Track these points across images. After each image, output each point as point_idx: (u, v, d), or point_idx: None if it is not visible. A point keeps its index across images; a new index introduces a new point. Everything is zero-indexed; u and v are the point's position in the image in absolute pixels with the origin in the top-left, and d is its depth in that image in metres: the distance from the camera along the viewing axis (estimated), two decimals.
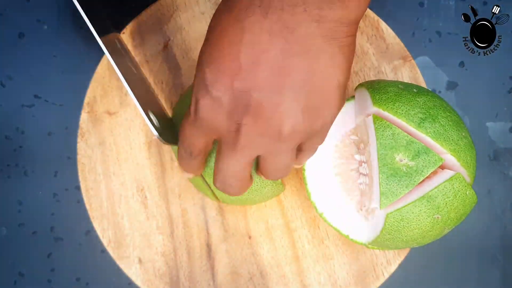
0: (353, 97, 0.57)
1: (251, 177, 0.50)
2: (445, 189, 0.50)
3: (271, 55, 0.42)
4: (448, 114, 0.53)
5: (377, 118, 0.52)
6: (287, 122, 0.43)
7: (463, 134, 0.53)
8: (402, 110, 0.52)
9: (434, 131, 0.51)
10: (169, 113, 0.62)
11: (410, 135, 0.51)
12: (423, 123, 0.51)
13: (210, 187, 0.57)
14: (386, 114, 0.52)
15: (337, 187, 0.56)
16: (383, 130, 0.51)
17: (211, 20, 0.45)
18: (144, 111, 0.52)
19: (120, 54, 0.56)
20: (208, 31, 0.45)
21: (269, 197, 0.58)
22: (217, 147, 0.47)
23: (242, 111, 0.43)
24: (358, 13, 0.43)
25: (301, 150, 0.49)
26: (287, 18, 0.41)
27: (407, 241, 0.53)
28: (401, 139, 0.51)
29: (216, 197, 0.58)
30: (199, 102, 0.44)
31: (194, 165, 0.51)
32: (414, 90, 0.54)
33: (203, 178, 0.56)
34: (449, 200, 0.51)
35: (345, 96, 0.46)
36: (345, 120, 0.56)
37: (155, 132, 0.51)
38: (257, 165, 0.49)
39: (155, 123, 0.53)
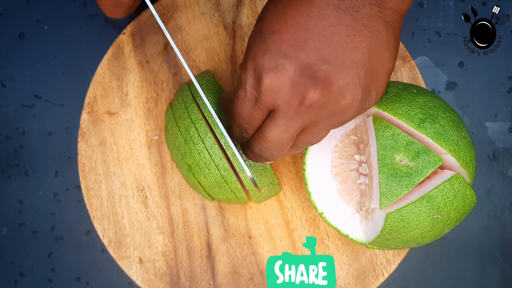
0: None
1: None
2: (445, 189, 0.51)
3: (338, 29, 0.43)
4: (448, 114, 0.53)
5: (377, 118, 0.52)
6: (348, 98, 0.44)
7: (463, 134, 0.53)
8: (402, 111, 0.52)
9: (434, 131, 0.51)
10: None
11: (410, 135, 0.51)
12: (423, 123, 0.51)
13: (205, 190, 0.57)
14: (386, 114, 0.52)
15: (337, 187, 0.56)
16: (383, 131, 0.52)
17: None
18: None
19: None
20: (264, 8, 0.45)
21: (266, 198, 0.58)
22: (269, 118, 0.46)
23: (309, 82, 0.43)
24: (408, 5, 0.45)
25: None
26: None
27: (407, 241, 0.53)
28: (401, 139, 0.51)
29: (211, 197, 0.59)
30: (264, 75, 0.44)
31: (245, 140, 0.51)
32: (414, 90, 0.54)
33: (198, 181, 0.57)
34: (449, 200, 0.51)
35: (386, 87, 0.48)
36: None
37: (249, 174, 0.52)
38: None
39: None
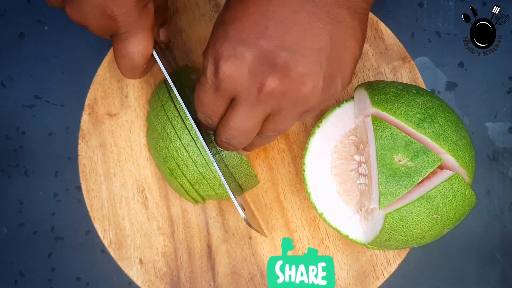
0: (352, 98, 0.57)
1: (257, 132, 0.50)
2: (444, 189, 0.51)
3: (300, 16, 0.43)
4: (447, 114, 0.53)
5: (376, 118, 0.52)
6: (308, 85, 0.44)
7: (462, 134, 0.53)
8: (401, 111, 0.52)
9: (433, 131, 0.51)
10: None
11: (409, 135, 0.51)
12: (422, 123, 0.51)
13: (187, 193, 0.58)
14: (385, 114, 0.52)
15: (337, 187, 0.56)
16: (382, 131, 0.52)
17: None
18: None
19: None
20: None
21: (245, 190, 0.60)
22: (231, 106, 0.46)
23: (267, 70, 0.43)
24: None
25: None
26: None
27: (406, 241, 0.53)
28: (400, 139, 0.51)
29: (195, 201, 0.60)
30: (222, 62, 0.43)
31: (212, 128, 0.51)
32: (413, 90, 0.54)
33: (181, 185, 0.57)
34: (448, 200, 0.51)
35: (353, 74, 0.47)
36: (345, 120, 0.56)
37: (242, 215, 0.52)
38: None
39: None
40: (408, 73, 0.62)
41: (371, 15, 0.62)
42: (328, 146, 0.56)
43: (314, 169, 0.57)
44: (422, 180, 0.52)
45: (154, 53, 0.51)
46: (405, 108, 0.52)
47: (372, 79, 0.62)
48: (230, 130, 0.47)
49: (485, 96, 0.65)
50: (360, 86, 0.56)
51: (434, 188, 0.51)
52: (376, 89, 0.54)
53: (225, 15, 0.45)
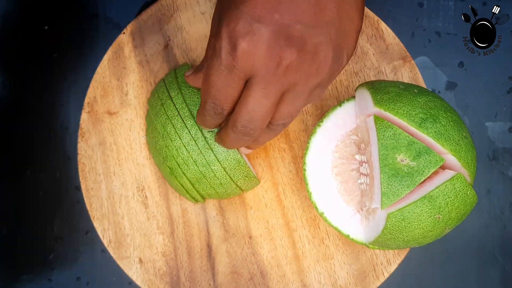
0: (353, 97, 0.57)
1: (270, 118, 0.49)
2: (446, 189, 0.51)
3: None
4: (449, 114, 0.53)
5: (378, 118, 0.52)
6: (321, 55, 0.45)
7: (464, 134, 0.53)
8: (403, 111, 0.52)
9: (435, 131, 0.51)
10: None
11: (411, 135, 0.51)
12: (424, 123, 0.51)
13: (188, 192, 0.58)
14: (387, 114, 0.52)
15: (338, 187, 0.56)
16: (384, 131, 0.52)
17: None
18: None
19: None
20: None
21: (246, 190, 0.60)
22: (247, 87, 0.46)
23: (285, 43, 0.44)
24: None
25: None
26: None
27: (408, 241, 0.53)
28: (402, 139, 0.51)
29: (194, 199, 0.60)
30: (240, 40, 0.43)
31: (219, 121, 0.50)
32: (415, 90, 0.54)
33: (181, 184, 0.57)
34: (450, 200, 0.51)
35: (356, 46, 0.49)
36: (346, 120, 0.56)
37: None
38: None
39: None
40: (408, 72, 0.62)
41: (371, 14, 0.63)
42: (329, 145, 0.56)
43: (315, 168, 0.57)
44: (424, 180, 0.52)
45: None
46: (407, 108, 0.52)
47: (372, 78, 0.62)
48: (248, 114, 0.47)
49: (485, 96, 0.65)
50: (361, 85, 0.56)
51: (436, 188, 0.51)
52: (378, 89, 0.54)
53: None
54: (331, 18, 0.45)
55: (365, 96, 0.54)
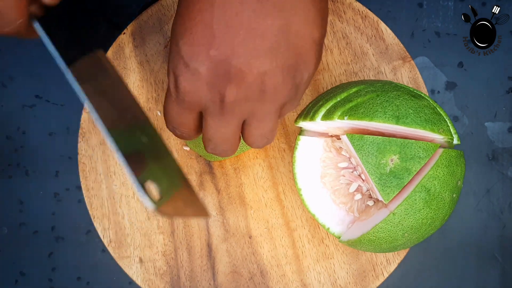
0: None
1: (239, 137, 0.48)
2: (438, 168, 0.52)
3: (244, 17, 0.41)
4: (401, 93, 0.53)
5: (351, 136, 0.52)
6: (268, 83, 0.42)
7: (424, 104, 0.53)
8: (377, 112, 0.52)
9: (411, 120, 0.52)
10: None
11: (389, 133, 0.52)
12: (399, 117, 0.52)
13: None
14: (357, 122, 0.52)
15: (328, 193, 0.57)
16: (361, 146, 0.52)
17: None
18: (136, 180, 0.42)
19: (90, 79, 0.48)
20: (178, 3, 0.43)
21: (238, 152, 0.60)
22: (204, 116, 0.45)
23: (223, 80, 0.42)
24: None
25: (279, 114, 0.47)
26: None
27: (405, 232, 0.53)
28: (380, 144, 0.51)
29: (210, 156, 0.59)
30: (179, 78, 0.43)
31: (190, 138, 0.49)
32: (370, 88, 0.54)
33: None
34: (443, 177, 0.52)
35: (321, 53, 0.45)
36: (321, 133, 0.57)
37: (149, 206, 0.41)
38: (242, 133, 0.48)
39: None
40: (408, 73, 0.62)
41: (371, 14, 0.63)
42: (315, 155, 0.56)
43: (305, 179, 0.57)
44: (420, 169, 0.52)
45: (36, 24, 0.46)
46: (377, 108, 0.52)
47: (372, 78, 0.62)
48: (210, 142, 0.46)
49: (485, 96, 0.65)
50: (300, 119, 0.56)
51: (426, 175, 0.51)
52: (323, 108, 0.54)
53: (176, 25, 0.43)
54: (274, 43, 0.41)
55: (318, 124, 0.55)
